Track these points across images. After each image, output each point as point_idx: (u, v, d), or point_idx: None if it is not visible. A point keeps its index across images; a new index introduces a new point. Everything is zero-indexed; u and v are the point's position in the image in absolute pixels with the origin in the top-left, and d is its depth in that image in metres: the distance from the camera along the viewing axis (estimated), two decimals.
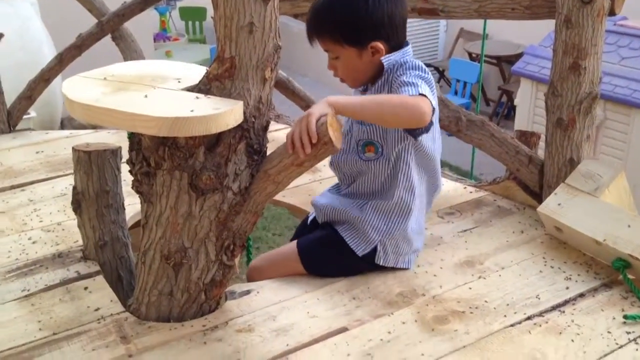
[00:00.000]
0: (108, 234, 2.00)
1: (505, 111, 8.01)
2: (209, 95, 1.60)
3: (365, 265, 1.91)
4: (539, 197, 2.31)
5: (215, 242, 1.70)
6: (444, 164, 2.13)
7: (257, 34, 1.58)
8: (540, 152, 2.35)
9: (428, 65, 8.36)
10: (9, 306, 1.81)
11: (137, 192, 1.71)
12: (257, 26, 1.57)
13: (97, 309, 1.79)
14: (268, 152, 1.69)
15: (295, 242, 1.97)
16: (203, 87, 1.64)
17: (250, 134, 1.64)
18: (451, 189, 2.49)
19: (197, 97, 1.59)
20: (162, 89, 1.65)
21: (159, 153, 1.61)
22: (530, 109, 6.34)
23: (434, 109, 1.68)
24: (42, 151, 2.86)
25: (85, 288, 1.89)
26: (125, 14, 2.87)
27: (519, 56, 7.70)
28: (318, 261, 1.93)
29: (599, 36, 2.06)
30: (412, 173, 1.85)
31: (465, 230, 2.20)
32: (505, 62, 7.93)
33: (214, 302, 1.79)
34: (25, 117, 3.09)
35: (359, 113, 1.64)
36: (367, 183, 1.90)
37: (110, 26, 2.89)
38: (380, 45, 1.78)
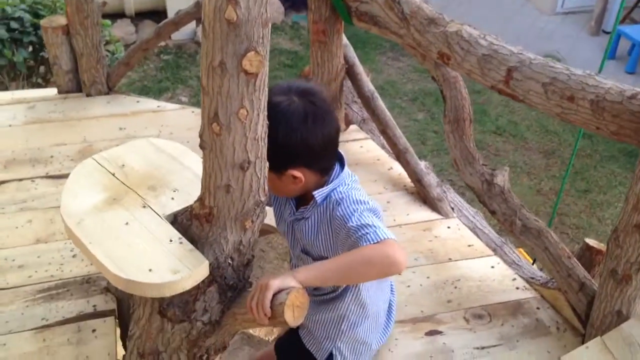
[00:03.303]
0: None
1: None
2: (181, 240, 1.56)
3: None
4: (585, 324, 2.08)
5: (187, 353, 1.74)
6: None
7: (235, 194, 1.49)
8: None
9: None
10: (25, 337, 2.02)
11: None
12: (234, 188, 1.48)
13: None
14: None
15: (274, 344, 1.98)
16: (185, 221, 1.60)
17: (225, 273, 1.61)
18: (497, 278, 2.30)
19: (171, 241, 1.56)
20: (150, 210, 1.64)
21: None
22: None
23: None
24: (125, 128, 2.96)
25: (94, 330, 2.04)
26: None
27: None
28: None
29: None
30: (361, 290, 1.73)
31: (483, 348, 2.06)
32: None
33: None
34: None
35: (327, 283, 1.55)
36: None
37: None
38: (298, 173, 1.59)
